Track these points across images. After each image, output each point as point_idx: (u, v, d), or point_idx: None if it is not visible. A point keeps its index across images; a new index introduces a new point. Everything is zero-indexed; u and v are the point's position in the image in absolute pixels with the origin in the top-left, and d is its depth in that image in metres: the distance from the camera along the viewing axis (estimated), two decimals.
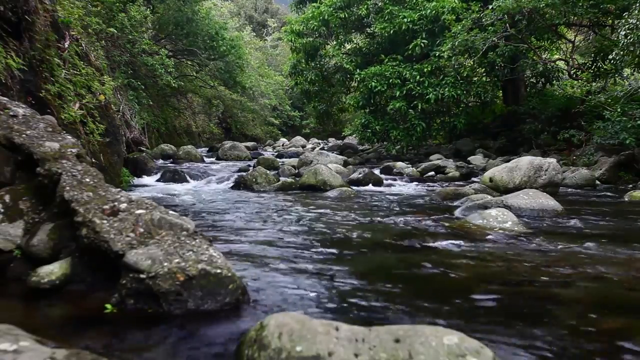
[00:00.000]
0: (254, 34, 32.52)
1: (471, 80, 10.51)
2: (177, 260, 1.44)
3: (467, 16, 9.57)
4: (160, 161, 9.78)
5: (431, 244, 2.52)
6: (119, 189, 1.83)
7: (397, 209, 4.04)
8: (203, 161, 10.76)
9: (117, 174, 5.10)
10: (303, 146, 18.58)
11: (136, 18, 11.68)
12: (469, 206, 3.70)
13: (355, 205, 4.32)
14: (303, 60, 13.88)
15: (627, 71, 8.83)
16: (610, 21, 9.10)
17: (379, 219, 3.41)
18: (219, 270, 1.46)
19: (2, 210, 1.80)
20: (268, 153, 13.68)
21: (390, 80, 10.85)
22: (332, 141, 22.40)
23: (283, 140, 24.01)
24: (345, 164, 9.37)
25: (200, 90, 18.27)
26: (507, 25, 9.24)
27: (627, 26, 6.05)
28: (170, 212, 1.73)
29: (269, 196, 4.89)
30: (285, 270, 1.94)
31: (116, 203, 1.69)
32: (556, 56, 12.13)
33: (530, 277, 1.90)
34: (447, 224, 3.11)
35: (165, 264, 1.42)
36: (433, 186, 6.20)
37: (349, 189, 5.26)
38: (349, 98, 13.10)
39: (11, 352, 0.91)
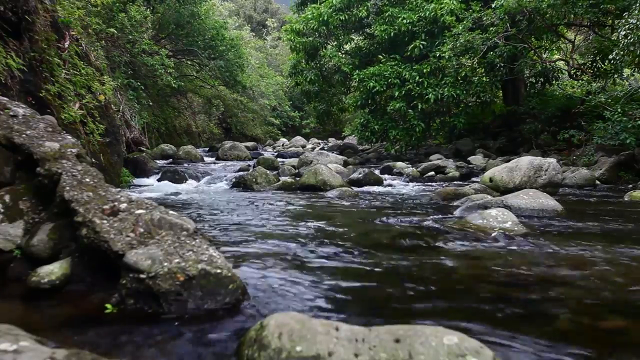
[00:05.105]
0: (253, 34, 32.51)
1: (471, 80, 10.51)
2: (177, 260, 1.44)
3: (467, 16, 9.57)
4: (160, 161, 9.78)
5: (431, 244, 2.51)
6: (118, 189, 1.83)
7: (397, 208, 4.04)
8: (203, 161, 10.77)
9: (117, 174, 5.11)
10: (303, 146, 18.58)
11: (136, 18, 11.71)
12: (469, 206, 3.70)
13: (355, 205, 4.31)
14: (303, 60, 13.88)
15: (627, 71, 8.83)
16: (610, 21, 9.10)
17: (378, 218, 3.41)
18: (219, 270, 1.46)
19: (2, 210, 1.80)
20: (268, 153, 13.68)
21: (390, 80, 10.85)
22: (332, 141, 22.38)
23: (283, 140, 24.01)
24: (345, 164, 9.38)
25: (200, 90, 18.29)
26: (508, 25, 9.24)
27: (627, 26, 6.05)
28: (170, 212, 1.73)
29: (269, 196, 4.89)
30: (286, 270, 1.94)
31: (116, 203, 1.69)
32: (556, 56, 12.14)
33: (530, 277, 1.90)
34: (447, 224, 3.11)
35: (165, 264, 1.42)
36: (433, 186, 6.20)
37: (349, 189, 5.26)
38: (349, 98, 13.10)
39: (11, 352, 0.91)
